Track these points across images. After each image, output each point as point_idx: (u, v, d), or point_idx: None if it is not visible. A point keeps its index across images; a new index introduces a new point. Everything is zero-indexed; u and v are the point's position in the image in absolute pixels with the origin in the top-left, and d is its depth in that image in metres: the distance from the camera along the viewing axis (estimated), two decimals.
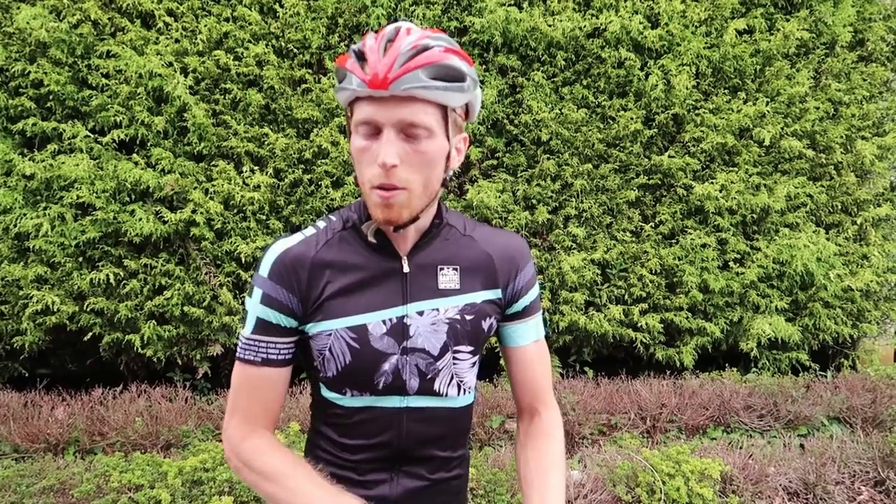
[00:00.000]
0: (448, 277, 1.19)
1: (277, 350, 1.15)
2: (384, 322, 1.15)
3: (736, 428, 4.52)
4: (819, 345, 5.64)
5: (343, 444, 1.21)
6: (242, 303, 1.15)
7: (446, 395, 1.20)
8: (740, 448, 4.02)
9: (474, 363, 1.24)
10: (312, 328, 1.15)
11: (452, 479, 1.28)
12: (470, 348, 1.21)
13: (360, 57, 1.02)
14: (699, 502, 3.35)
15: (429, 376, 1.18)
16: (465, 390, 1.23)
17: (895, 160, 5.74)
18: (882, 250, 5.58)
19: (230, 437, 1.16)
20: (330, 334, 1.14)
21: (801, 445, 4.21)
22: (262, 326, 1.14)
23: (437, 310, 1.17)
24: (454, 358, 1.19)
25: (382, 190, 1.04)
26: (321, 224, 1.20)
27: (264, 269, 1.14)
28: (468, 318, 1.19)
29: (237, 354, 1.17)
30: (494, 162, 5.00)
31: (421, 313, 1.16)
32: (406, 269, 1.16)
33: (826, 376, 5.39)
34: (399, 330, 1.16)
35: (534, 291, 1.29)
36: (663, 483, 3.39)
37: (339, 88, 1.06)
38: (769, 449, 4.07)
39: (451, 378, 1.20)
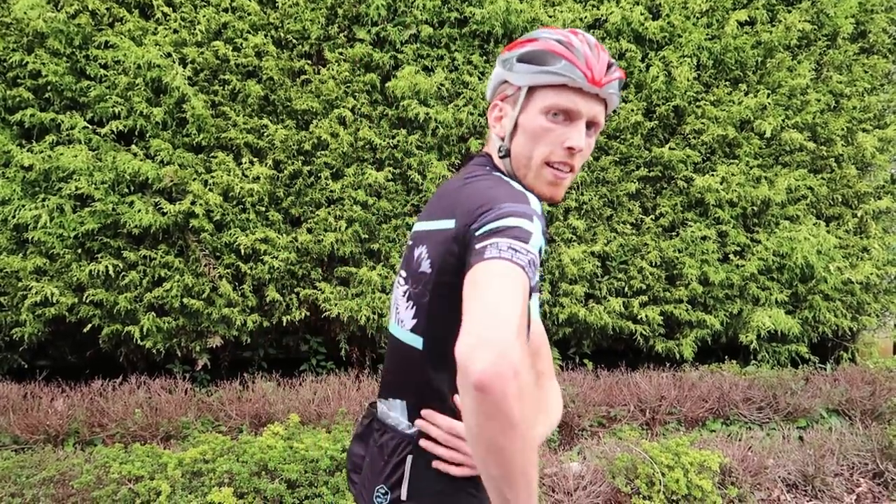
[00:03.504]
0: None
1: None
2: None
3: (735, 420, 4.52)
4: (818, 337, 5.65)
5: None
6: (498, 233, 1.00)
7: None
8: (739, 440, 4.03)
9: None
10: None
11: None
12: None
13: (571, 50, 1.14)
14: (698, 494, 3.36)
15: None
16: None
17: None
18: (882, 243, 5.58)
19: (514, 357, 0.85)
20: None
21: (801, 437, 4.22)
22: (539, 259, 1.02)
23: None
24: None
25: (559, 170, 1.17)
26: (497, 173, 1.22)
27: (535, 204, 1.07)
28: None
29: (519, 261, 0.95)
30: None
31: None
32: None
33: (825, 369, 5.40)
34: None
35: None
36: (662, 475, 3.39)
37: (541, 70, 1.14)
38: (768, 441, 4.08)
39: None
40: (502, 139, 1.21)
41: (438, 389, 1.16)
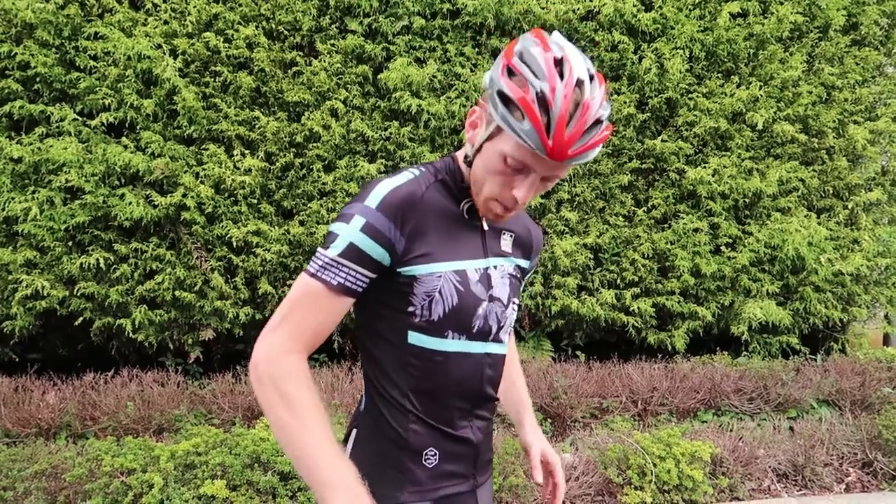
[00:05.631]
0: (507, 242, 1.34)
1: (356, 279, 1.14)
2: (476, 270, 1.24)
3: (726, 411, 4.55)
4: (809, 328, 5.68)
5: (437, 395, 1.23)
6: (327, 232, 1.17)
7: (504, 341, 1.32)
8: (730, 431, 4.06)
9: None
10: (420, 269, 1.17)
11: (493, 418, 1.40)
12: (518, 301, 1.36)
13: (545, 108, 1.04)
14: (689, 484, 3.38)
15: (501, 324, 1.29)
16: (509, 338, 1.39)
17: (887, 145, 5.75)
18: (872, 234, 5.61)
19: (272, 346, 1.11)
20: (440, 276, 1.19)
21: (791, 428, 4.25)
22: (355, 253, 1.12)
23: (503, 266, 1.31)
24: (512, 309, 1.33)
25: (503, 209, 1.18)
26: (416, 171, 1.23)
27: (372, 200, 1.14)
28: (518, 276, 1.36)
29: (310, 270, 1.13)
30: None
31: (496, 267, 1.29)
32: (485, 227, 1.28)
33: (816, 360, 5.43)
34: (486, 279, 1.26)
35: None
36: (654, 465, 3.41)
37: (509, 122, 1.06)
38: (759, 431, 4.11)
39: (508, 327, 1.33)
40: (472, 146, 1.20)
41: (368, 378, 1.29)
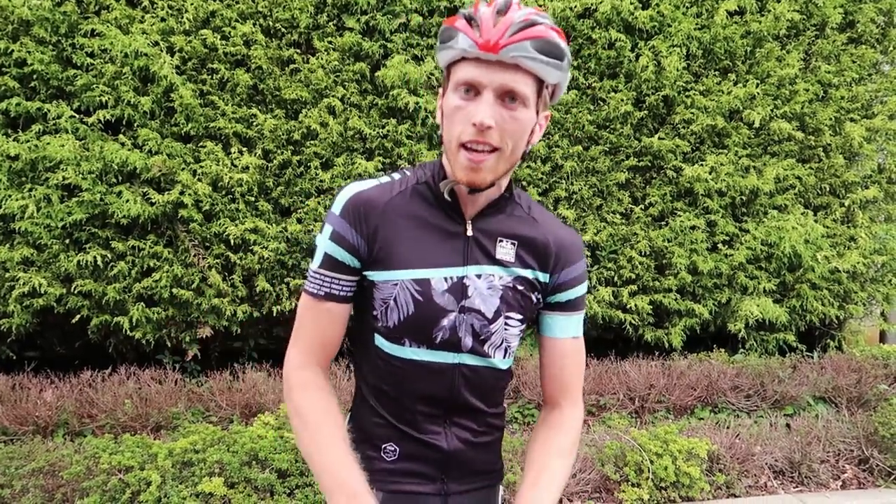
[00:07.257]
0: (505, 250, 1.23)
1: (340, 286, 1.20)
2: (445, 279, 1.19)
3: (723, 408, 4.56)
4: (806, 326, 5.70)
5: (398, 398, 1.24)
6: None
7: (493, 356, 1.25)
8: (727, 428, 4.07)
9: (522, 330, 1.28)
10: (378, 276, 1.19)
11: (495, 431, 1.34)
12: (519, 317, 1.25)
13: (472, 21, 1.08)
14: (686, 481, 3.39)
15: (482, 337, 1.22)
16: (509, 354, 1.28)
17: (883, 142, 5.76)
18: (869, 232, 5.62)
19: (289, 360, 1.23)
20: (396, 284, 1.18)
21: (787, 425, 4.26)
22: (330, 262, 1.19)
23: (493, 276, 1.22)
24: (506, 323, 1.24)
25: (473, 152, 1.09)
26: (396, 176, 1.25)
27: (337, 206, 1.19)
28: (520, 288, 1.24)
29: (305, 285, 1.22)
30: None
31: (479, 276, 1.21)
32: (470, 232, 1.21)
33: (812, 357, 5.45)
34: (458, 289, 1.20)
35: (581, 288, 1.32)
36: (651, 462, 3.42)
37: (445, 48, 1.11)
38: (756, 428, 4.12)
39: (502, 342, 1.25)
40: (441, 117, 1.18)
41: (354, 369, 1.35)
